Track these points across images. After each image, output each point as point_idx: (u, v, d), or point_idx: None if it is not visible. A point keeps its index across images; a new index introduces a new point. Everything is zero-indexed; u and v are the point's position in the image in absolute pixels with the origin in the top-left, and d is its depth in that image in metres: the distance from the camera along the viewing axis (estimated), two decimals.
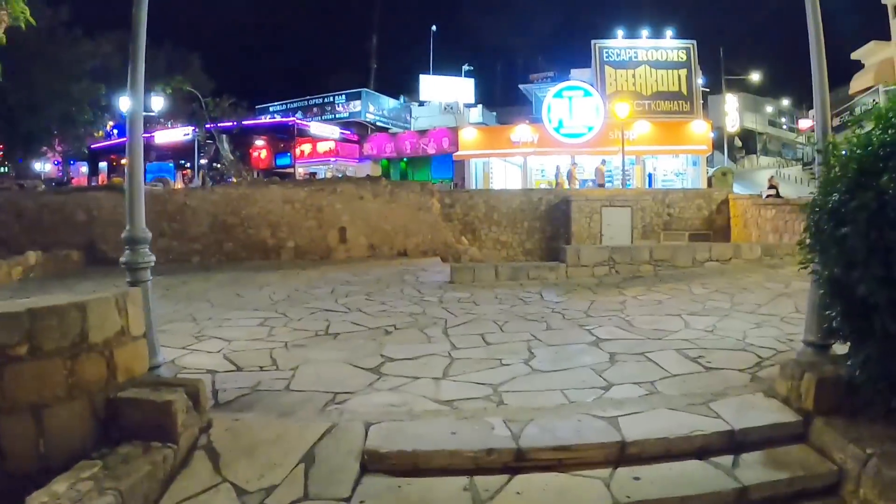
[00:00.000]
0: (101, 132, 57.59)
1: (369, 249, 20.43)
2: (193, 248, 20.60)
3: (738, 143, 76.14)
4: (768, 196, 27.69)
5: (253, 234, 20.53)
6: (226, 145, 39.78)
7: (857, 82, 49.50)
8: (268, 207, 20.55)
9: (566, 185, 36.83)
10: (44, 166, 61.27)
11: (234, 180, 32.93)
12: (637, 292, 11.76)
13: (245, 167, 39.82)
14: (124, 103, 34.75)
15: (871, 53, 49.24)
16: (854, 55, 51.48)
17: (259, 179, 28.02)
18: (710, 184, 36.50)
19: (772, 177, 31.30)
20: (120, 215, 20.68)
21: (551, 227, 30.60)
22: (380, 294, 12.30)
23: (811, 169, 62.58)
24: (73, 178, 58.49)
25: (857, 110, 45.07)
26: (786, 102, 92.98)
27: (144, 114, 22.81)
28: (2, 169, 53.28)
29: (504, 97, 72.28)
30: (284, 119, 54.64)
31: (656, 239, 30.06)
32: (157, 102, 35.18)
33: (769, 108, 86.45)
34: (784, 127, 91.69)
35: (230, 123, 42.72)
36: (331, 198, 20.52)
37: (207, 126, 41.01)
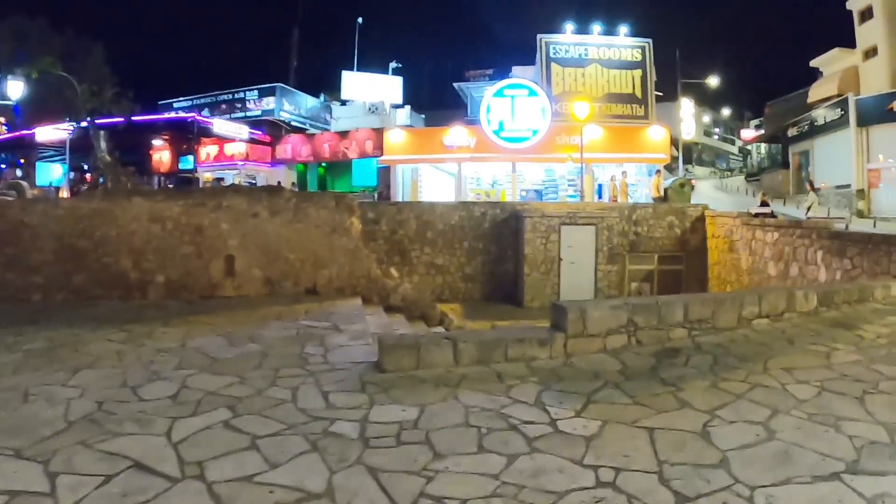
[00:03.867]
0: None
1: (266, 285, 15.03)
2: (33, 283, 14.91)
3: (675, 152, 74.30)
4: (758, 214, 23.30)
5: (110, 264, 14.91)
6: (102, 144, 34.00)
7: (818, 91, 47.57)
8: (130, 227, 14.96)
9: (625, 198, 33.00)
10: None
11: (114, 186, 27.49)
12: (704, 397, 6.92)
13: (125, 171, 34.00)
14: None
15: (833, 61, 47.36)
16: (814, 62, 50.65)
17: (120, 189, 22.27)
18: (665, 196, 32.49)
19: (764, 192, 27.13)
20: None
21: (497, 247, 26.13)
22: (256, 403, 6.96)
23: (757, 180, 60.39)
24: None
25: (821, 120, 42.52)
26: (725, 112, 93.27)
27: (2, 103, 17.09)
28: None
29: (434, 99, 67.97)
30: (183, 115, 48.83)
31: (622, 263, 25.89)
32: (16, 88, 29.19)
33: (705, 118, 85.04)
34: (716, 137, 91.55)
35: (119, 119, 37.49)
36: (214, 215, 15.02)
37: (79, 122, 35.17)
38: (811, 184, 27.10)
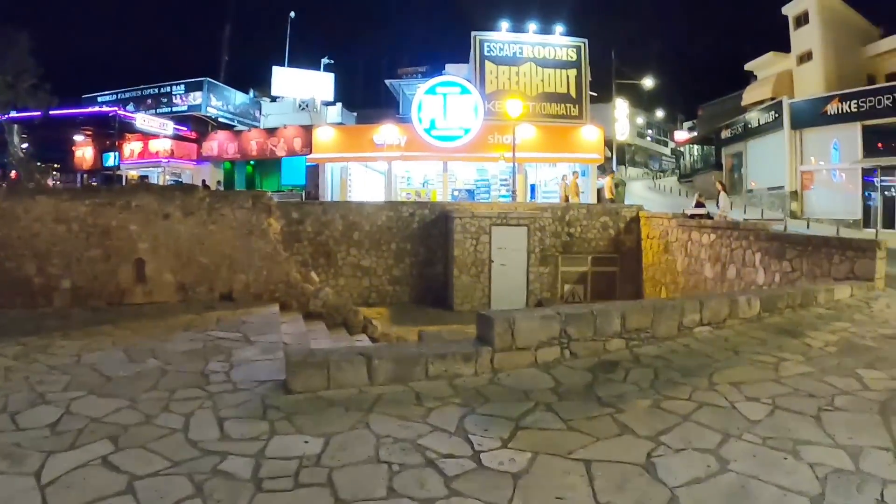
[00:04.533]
0: None
1: (179, 291, 13.97)
2: None
3: (608, 152, 75.13)
4: (694, 215, 22.92)
5: (12, 269, 13.64)
6: (16, 139, 32.53)
7: (752, 94, 48.51)
8: (33, 229, 13.73)
9: (577, 198, 32.11)
10: None
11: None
12: (646, 420, 6.25)
13: (39, 167, 32.55)
14: None
15: (768, 65, 48.40)
16: (748, 66, 51.61)
17: (23, 188, 21.00)
18: (599, 197, 32.19)
19: (699, 193, 26.83)
20: None
21: (425, 249, 25.43)
22: (143, 433, 6.05)
23: (689, 181, 60.78)
24: None
25: (755, 123, 43.03)
26: (658, 114, 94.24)
27: None
28: None
29: (368, 96, 67.25)
30: (104, 109, 47.24)
31: (554, 265, 25.36)
32: None
33: (639, 120, 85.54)
34: (649, 139, 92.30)
35: (35, 112, 35.92)
36: (123, 216, 13.90)
37: None
38: (722, 184, 27.19)
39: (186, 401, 6.95)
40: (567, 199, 32.05)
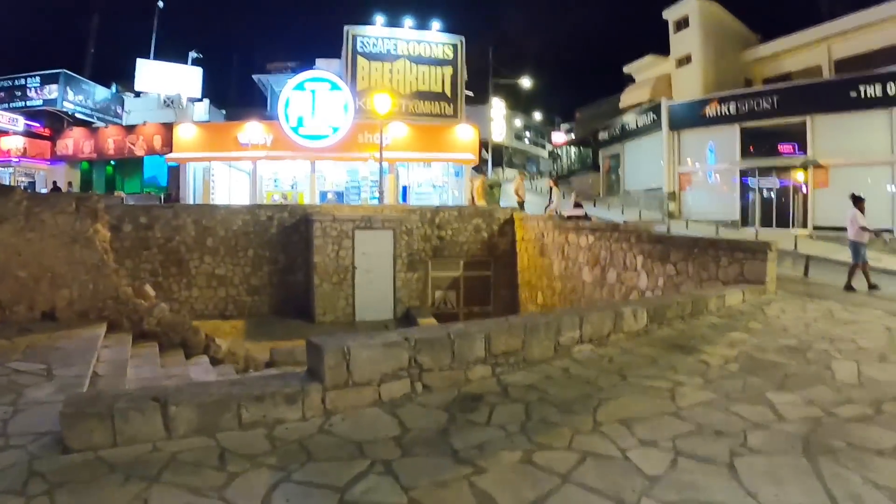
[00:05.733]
0: None
1: None
2: None
3: (484, 154, 75.39)
4: (571, 217, 21.94)
5: None
6: None
7: (630, 96, 49.18)
8: None
9: (482, 201, 31.33)
10: None
11: None
12: (514, 484, 4.74)
13: None
14: None
15: (646, 68, 49.33)
16: (627, 69, 52.36)
17: None
18: (521, 205, 31.38)
19: (577, 193, 25.93)
20: None
21: (286, 256, 24.16)
22: None
23: (567, 181, 60.96)
24: None
25: (633, 124, 43.63)
26: (536, 117, 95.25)
27: None
28: None
29: (240, 94, 65.01)
30: None
31: (424, 270, 24.23)
32: None
33: (517, 123, 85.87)
34: (527, 141, 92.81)
35: None
36: None
37: None
38: (554, 181, 26.83)
39: None
40: (473, 202, 31.07)
